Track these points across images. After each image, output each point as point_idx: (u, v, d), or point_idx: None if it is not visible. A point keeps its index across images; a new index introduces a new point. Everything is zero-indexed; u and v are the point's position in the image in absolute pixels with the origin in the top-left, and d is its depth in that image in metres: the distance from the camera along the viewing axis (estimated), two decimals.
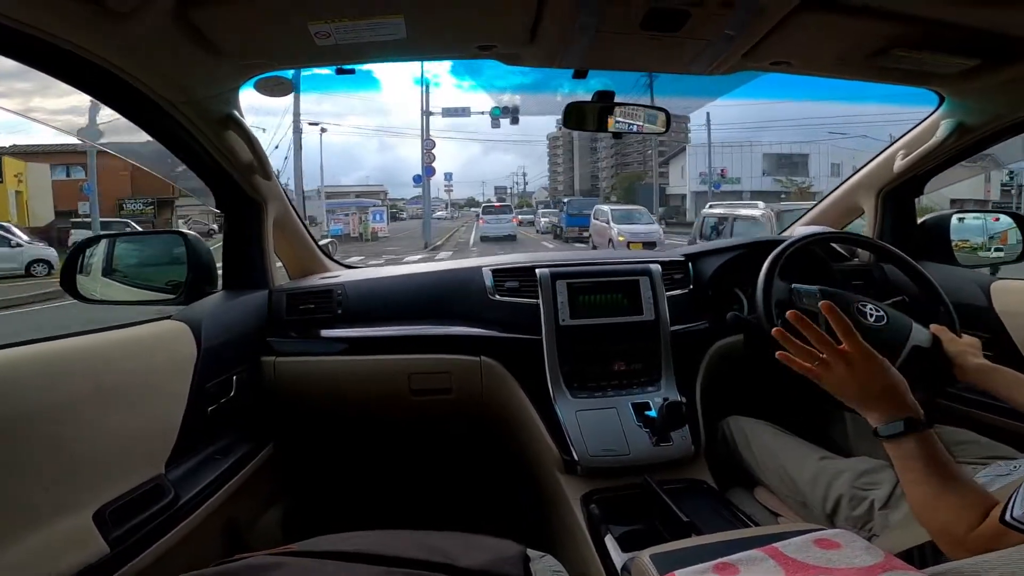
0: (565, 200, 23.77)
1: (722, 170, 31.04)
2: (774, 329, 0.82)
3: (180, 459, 1.06)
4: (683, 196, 34.94)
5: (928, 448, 0.71)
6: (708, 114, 27.71)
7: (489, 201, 32.67)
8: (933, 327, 1.14)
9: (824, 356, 0.78)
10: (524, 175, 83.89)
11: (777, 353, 0.81)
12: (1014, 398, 0.95)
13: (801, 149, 33.49)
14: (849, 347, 0.76)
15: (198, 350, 1.10)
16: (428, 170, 21.01)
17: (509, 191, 74.89)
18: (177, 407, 1.04)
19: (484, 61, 1.12)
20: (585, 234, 17.57)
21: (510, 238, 21.42)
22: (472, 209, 52.97)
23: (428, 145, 20.30)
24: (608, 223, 15.21)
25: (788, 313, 0.80)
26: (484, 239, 21.66)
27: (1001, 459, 1.00)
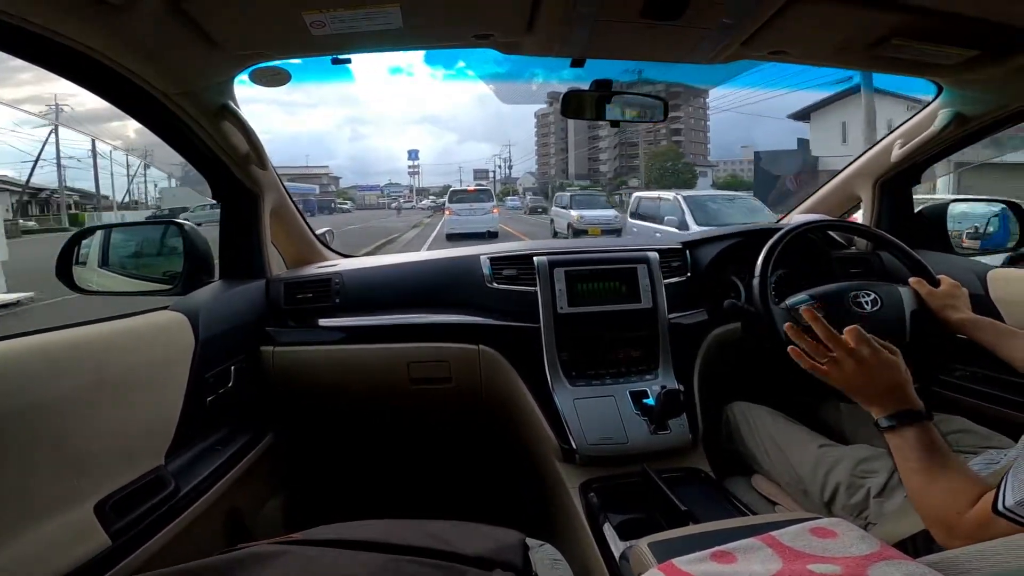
0: None
1: None
2: (786, 325, 0.85)
3: (180, 450, 1.06)
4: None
5: (927, 438, 0.73)
6: None
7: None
8: (911, 281, 1.16)
9: (834, 354, 0.80)
10: (509, 155, 77.09)
11: (788, 348, 0.84)
12: (999, 348, 1.00)
13: None
14: (855, 344, 0.78)
15: (196, 340, 1.10)
16: None
17: (492, 175, 67.65)
18: (176, 398, 1.04)
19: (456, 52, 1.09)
20: None
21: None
22: (440, 199, 39.85)
23: None
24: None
25: (803, 309, 0.83)
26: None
27: (994, 448, 1.01)
